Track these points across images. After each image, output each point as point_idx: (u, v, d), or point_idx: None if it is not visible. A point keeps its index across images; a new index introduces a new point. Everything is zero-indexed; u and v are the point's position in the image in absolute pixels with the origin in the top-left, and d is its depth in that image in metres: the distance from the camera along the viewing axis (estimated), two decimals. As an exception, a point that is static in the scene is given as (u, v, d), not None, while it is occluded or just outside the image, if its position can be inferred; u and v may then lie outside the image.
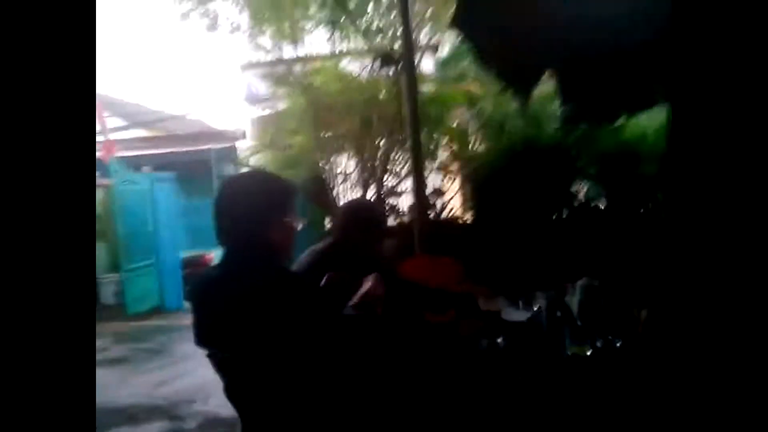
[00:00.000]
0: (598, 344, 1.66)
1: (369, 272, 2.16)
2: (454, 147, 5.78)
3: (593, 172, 5.26)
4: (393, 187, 5.67)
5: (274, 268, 1.46)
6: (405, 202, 5.76)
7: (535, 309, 2.14)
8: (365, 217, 2.11)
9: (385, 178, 5.42)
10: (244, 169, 5.86)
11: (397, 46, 4.70)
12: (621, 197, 2.72)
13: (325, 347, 1.37)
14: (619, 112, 4.26)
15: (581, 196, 5.53)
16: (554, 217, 5.37)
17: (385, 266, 2.34)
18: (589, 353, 1.62)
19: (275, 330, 1.31)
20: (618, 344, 1.66)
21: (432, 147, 5.59)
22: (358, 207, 2.25)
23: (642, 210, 4.69)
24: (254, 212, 1.46)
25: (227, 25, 5.56)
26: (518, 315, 2.06)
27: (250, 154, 6.57)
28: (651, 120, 5.34)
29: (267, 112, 6.73)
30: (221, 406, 2.96)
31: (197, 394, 3.33)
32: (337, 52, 5.35)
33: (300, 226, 1.67)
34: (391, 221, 5.74)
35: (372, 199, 4.62)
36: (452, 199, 5.95)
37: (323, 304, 1.47)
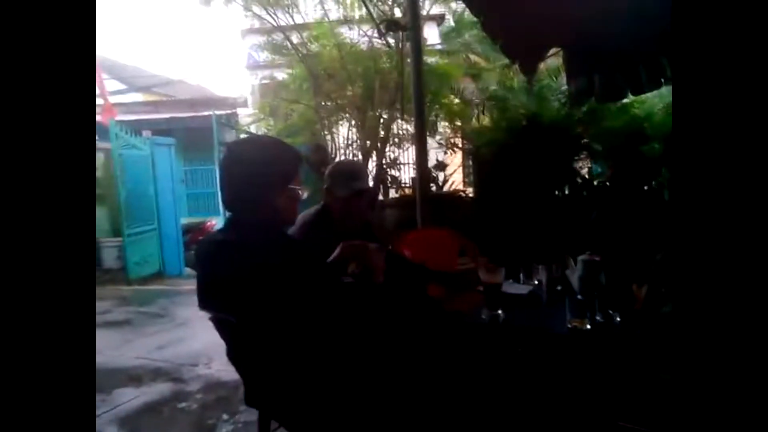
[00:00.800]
0: (598, 318, 1.68)
1: (360, 234, 2.20)
2: (457, 120, 5.73)
3: (598, 149, 5.23)
4: (395, 159, 5.64)
5: (278, 234, 1.47)
6: (407, 173, 5.75)
7: (536, 282, 2.17)
8: (344, 173, 2.12)
9: (386, 149, 5.39)
10: (247, 136, 5.81)
11: (397, 13, 4.60)
12: (625, 174, 2.71)
13: (328, 313, 1.38)
14: (626, 89, 4.21)
15: (585, 172, 5.51)
16: (557, 192, 5.37)
17: (372, 229, 2.37)
18: (588, 327, 1.64)
19: (279, 294, 1.32)
20: (617, 319, 1.68)
21: (435, 119, 5.54)
22: (337, 165, 2.27)
23: (646, 187, 4.69)
24: (261, 178, 1.45)
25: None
26: (519, 288, 2.08)
27: (251, 121, 6.52)
28: (658, 99, 5.30)
29: (268, 79, 6.64)
30: (223, 369, 3.03)
31: (199, 357, 3.39)
32: (336, 18, 5.23)
33: (304, 194, 1.67)
34: (393, 193, 5.74)
35: (353, 158, 4.54)
36: (455, 173, 5.93)
37: (327, 270, 1.48)
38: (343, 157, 5.40)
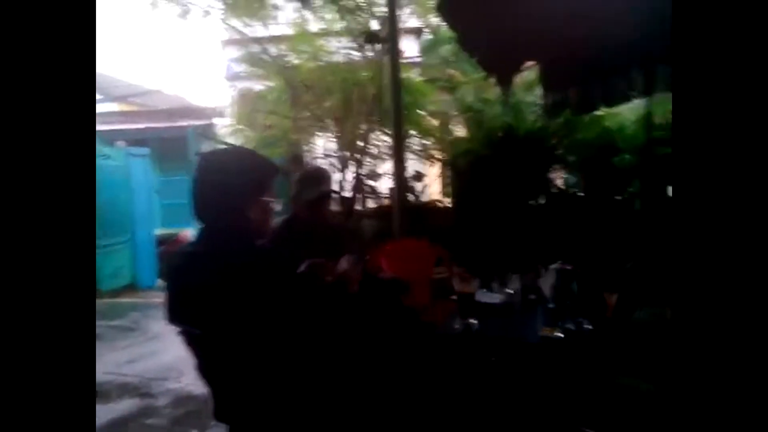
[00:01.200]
0: (569, 326, 1.69)
1: (330, 241, 2.20)
2: (435, 132, 5.78)
3: (572, 160, 5.34)
4: (373, 170, 5.65)
5: (251, 247, 1.44)
6: (385, 184, 5.75)
7: (509, 292, 2.18)
8: (308, 178, 2.16)
9: (365, 160, 5.39)
10: (222, 146, 5.76)
11: (375, 26, 4.63)
12: (597, 185, 2.76)
13: (299, 325, 1.36)
14: (599, 102, 4.31)
15: (559, 183, 5.61)
16: (532, 202, 5.44)
17: (342, 236, 2.39)
18: (559, 335, 1.65)
19: (248, 307, 1.29)
20: (588, 326, 1.69)
21: (413, 131, 5.58)
22: (303, 173, 2.31)
23: (617, 198, 4.79)
24: (233, 189, 1.43)
25: (199, 12, 5.34)
26: (492, 297, 2.09)
27: (228, 132, 6.46)
28: (630, 112, 5.44)
29: (246, 90, 6.61)
30: (193, 384, 2.96)
31: (170, 371, 3.31)
32: (313, 30, 5.25)
33: (278, 207, 1.66)
34: (371, 204, 5.75)
35: (319, 166, 4.52)
36: (432, 183, 5.96)
37: (299, 284, 1.46)
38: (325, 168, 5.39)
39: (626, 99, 4.37)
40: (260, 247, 1.48)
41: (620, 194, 5.22)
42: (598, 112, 4.86)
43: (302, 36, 5.17)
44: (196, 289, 1.37)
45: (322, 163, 5.44)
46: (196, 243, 1.47)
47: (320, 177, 2.21)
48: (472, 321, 1.82)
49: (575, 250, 2.70)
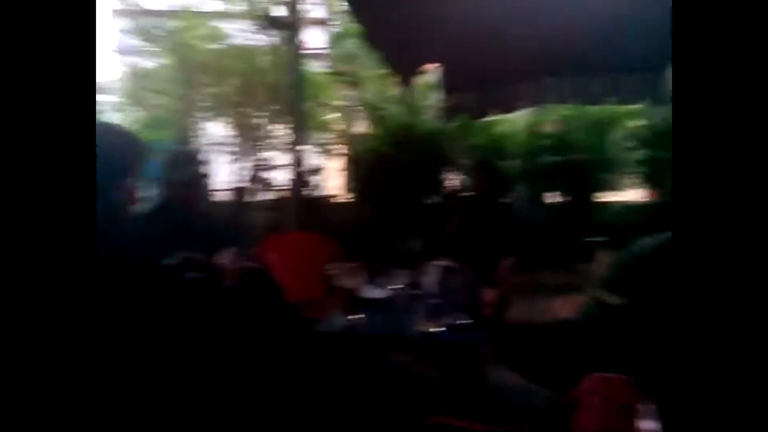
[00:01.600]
0: (450, 321, 1.73)
1: (203, 226, 2.08)
2: (336, 126, 5.75)
3: (465, 163, 5.59)
4: (270, 160, 5.48)
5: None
6: (282, 176, 5.60)
7: (396, 287, 2.20)
8: (178, 160, 2.00)
9: (262, 150, 5.21)
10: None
11: (278, 12, 4.47)
12: (486, 188, 2.89)
13: (165, 323, 1.24)
14: (495, 108, 4.55)
15: (453, 183, 5.84)
16: (425, 201, 5.61)
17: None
18: (440, 329, 1.68)
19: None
20: (467, 321, 1.74)
21: (313, 124, 5.49)
22: (173, 153, 2.10)
23: (505, 201, 5.09)
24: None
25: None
26: (378, 293, 2.09)
27: (115, 110, 5.91)
28: (519, 118, 5.81)
29: (137, 66, 6.08)
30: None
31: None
32: (212, 10, 4.97)
33: (143, 191, 1.52)
34: (270, 195, 5.57)
35: (191, 150, 4.26)
36: (331, 178, 5.92)
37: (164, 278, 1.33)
38: (214, 156, 5.11)
39: (517, 108, 4.66)
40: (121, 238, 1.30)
41: (506, 197, 5.56)
42: (492, 118, 5.14)
43: (199, 14, 4.86)
44: None
45: (215, 149, 5.17)
46: None
47: (192, 158, 2.04)
48: (357, 316, 1.80)
49: (461, 248, 2.80)
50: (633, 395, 0.85)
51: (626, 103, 3.84)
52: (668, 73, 3.44)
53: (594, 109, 5.53)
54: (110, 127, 1.54)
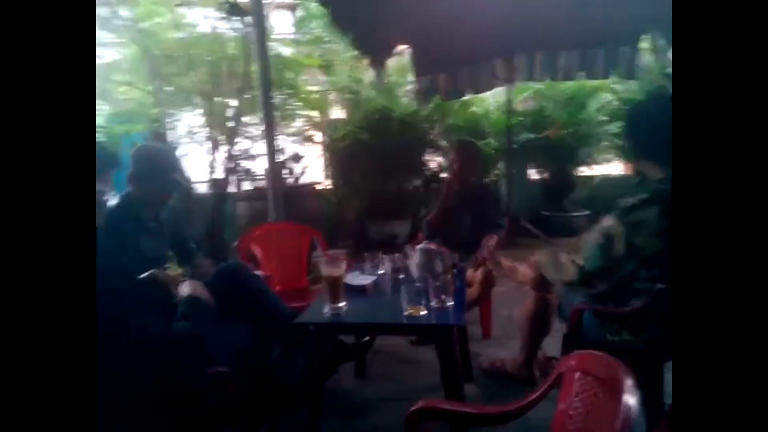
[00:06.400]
0: (433, 304, 1.75)
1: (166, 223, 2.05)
2: (311, 112, 5.66)
3: (443, 145, 5.59)
4: (247, 150, 5.38)
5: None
6: (261, 166, 5.52)
7: (380, 272, 2.21)
8: (157, 163, 1.95)
9: (237, 139, 5.10)
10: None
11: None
12: (466, 169, 2.90)
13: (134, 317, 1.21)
14: (467, 88, 4.53)
15: (433, 165, 5.85)
16: (405, 184, 5.61)
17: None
18: (423, 313, 1.69)
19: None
20: (449, 303, 1.76)
21: (287, 110, 5.40)
22: (148, 152, 2.02)
23: (484, 180, 5.13)
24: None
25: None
26: (363, 279, 2.09)
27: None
28: (494, 98, 5.81)
29: (101, 58, 5.86)
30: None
31: None
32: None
33: (111, 198, 1.49)
34: (248, 186, 5.49)
35: (160, 144, 4.14)
36: (310, 165, 5.86)
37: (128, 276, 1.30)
38: (186, 147, 5.00)
39: (491, 86, 4.66)
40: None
41: (485, 177, 5.60)
42: (466, 98, 5.13)
43: (160, 2, 4.69)
44: None
45: (190, 141, 5.05)
46: None
47: (170, 163, 1.99)
48: (341, 305, 1.79)
49: (444, 229, 2.82)
50: (616, 372, 0.87)
51: (596, 77, 3.88)
52: (637, 46, 3.47)
53: (566, 85, 5.57)
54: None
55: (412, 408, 1.13)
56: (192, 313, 1.42)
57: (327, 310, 1.79)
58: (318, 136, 5.92)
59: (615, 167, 6.65)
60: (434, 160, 5.91)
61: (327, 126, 5.82)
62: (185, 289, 1.55)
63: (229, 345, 1.58)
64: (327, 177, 6.24)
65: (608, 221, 1.68)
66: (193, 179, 4.70)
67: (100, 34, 5.11)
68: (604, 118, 5.98)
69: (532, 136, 5.68)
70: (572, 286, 1.82)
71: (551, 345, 2.39)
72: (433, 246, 2.06)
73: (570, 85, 5.56)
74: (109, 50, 5.12)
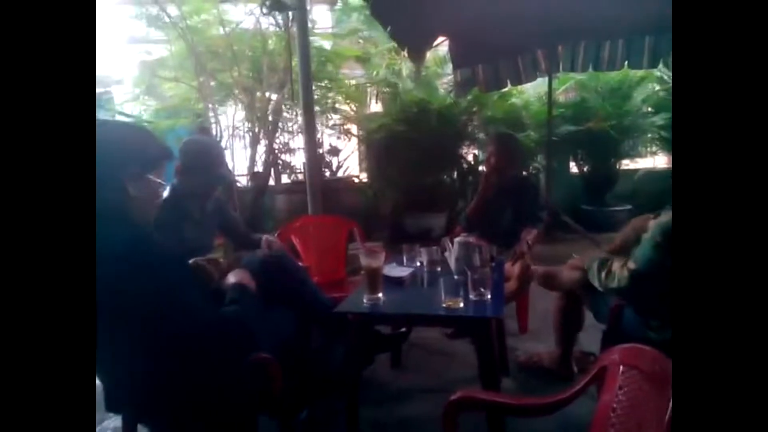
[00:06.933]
0: (472, 297, 1.75)
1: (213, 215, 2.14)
2: (350, 105, 5.71)
3: (481, 137, 5.52)
4: (286, 143, 5.48)
5: (128, 227, 1.27)
6: (300, 159, 5.62)
7: (417, 265, 2.22)
8: (204, 157, 2.03)
9: (276, 134, 5.21)
10: (118, 117, 5.29)
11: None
12: (505, 161, 2.86)
13: (182, 306, 1.26)
14: (506, 79, 4.46)
15: (470, 158, 5.80)
16: (445, 177, 5.59)
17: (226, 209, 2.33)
18: (461, 306, 1.70)
19: (126, 293, 1.18)
20: (488, 296, 1.76)
21: (327, 104, 5.46)
22: (196, 146, 2.09)
23: (524, 173, 5.04)
24: (110, 162, 1.29)
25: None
26: (400, 271, 2.11)
27: (127, 101, 5.95)
28: (534, 89, 5.70)
29: (147, 55, 6.08)
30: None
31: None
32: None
33: (165, 190, 1.55)
34: (288, 179, 5.60)
35: (208, 138, 4.24)
36: (349, 158, 5.91)
37: (178, 264, 1.35)
38: (228, 141, 5.14)
39: (533, 77, 4.57)
40: (139, 232, 1.29)
41: (524, 170, 5.51)
42: (506, 90, 5.05)
43: (205, 3, 4.82)
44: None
45: (232, 135, 5.18)
46: None
47: (216, 158, 2.08)
48: (379, 295, 1.82)
49: (483, 222, 2.80)
50: (664, 367, 0.85)
51: (642, 67, 3.74)
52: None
53: (610, 75, 5.40)
54: (136, 127, 1.57)
55: (452, 398, 1.15)
56: (240, 300, 1.48)
57: (366, 300, 1.82)
58: (355, 129, 5.96)
59: (660, 160, 6.42)
60: (471, 153, 5.86)
61: (364, 119, 5.84)
62: (233, 276, 1.61)
63: (271, 332, 1.62)
64: (363, 170, 6.28)
65: (667, 216, 1.62)
66: (234, 173, 4.83)
67: (150, 32, 5.31)
68: (650, 109, 5.77)
69: (573, 128, 5.54)
70: (621, 294, 1.77)
71: (589, 341, 2.36)
72: (471, 239, 2.06)
73: (614, 75, 5.39)
74: (158, 47, 5.30)
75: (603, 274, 1.80)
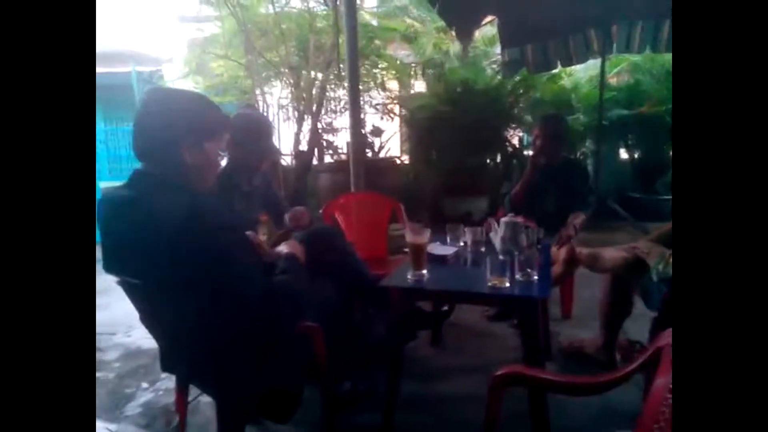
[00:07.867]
0: (518, 277, 1.73)
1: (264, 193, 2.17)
2: (397, 80, 5.67)
3: (528, 120, 5.40)
4: (330, 123, 5.52)
5: (186, 193, 1.30)
6: (343, 138, 5.66)
7: (461, 244, 2.21)
8: (253, 130, 2.07)
9: (321, 113, 5.25)
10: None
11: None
12: (552, 144, 2.80)
13: (237, 271, 1.31)
14: (556, 60, 4.33)
15: (516, 141, 5.69)
16: (489, 160, 5.50)
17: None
18: (507, 285, 1.69)
19: (183, 257, 1.22)
20: (535, 277, 1.74)
21: (373, 81, 5.45)
22: (247, 119, 2.15)
23: (572, 157, 4.91)
24: (175, 128, 1.34)
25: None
26: (445, 249, 2.11)
27: (177, 78, 6.12)
28: (585, 71, 5.50)
29: (197, 33, 6.21)
30: (145, 337, 2.90)
31: (118, 325, 3.22)
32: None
33: (223, 158, 1.58)
34: (328, 158, 5.65)
35: (258, 112, 4.31)
36: (391, 139, 5.91)
37: (235, 230, 1.39)
38: (274, 120, 5.22)
39: (584, 58, 4.42)
40: (196, 196, 1.32)
41: (573, 153, 5.36)
42: (555, 71, 4.90)
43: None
44: (128, 238, 1.29)
45: (278, 113, 5.27)
46: (129, 186, 1.35)
47: (264, 131, 2.12)
48: (424, 272, 1.83)
49: (530, 204, 2.76)
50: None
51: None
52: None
53: (665, 57, 5.14)
54: (195, 94, 1.60)
55: (498, 373, 1.15)
56: (290, 270, 1.52)
57: (410, 276, 1.83)
58: (398, 109, 5.94)
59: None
60: (517, 136, 5.74)
61: (408, 99, 5.81)
62: (285, 247, 1.66)
63: (318, 303, 1.67)
64: (404, 152, 6.27)
65: None
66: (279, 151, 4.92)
67: (202, 8, 5.41)
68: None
69: (625, 112, 5.33)
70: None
71: (635, 329, 2.30)
72: (519, 219, 2.03)
73: (670, 57, 5.13)
74: (209, 24, 5.41)
75: (661, 266, 1.76)
